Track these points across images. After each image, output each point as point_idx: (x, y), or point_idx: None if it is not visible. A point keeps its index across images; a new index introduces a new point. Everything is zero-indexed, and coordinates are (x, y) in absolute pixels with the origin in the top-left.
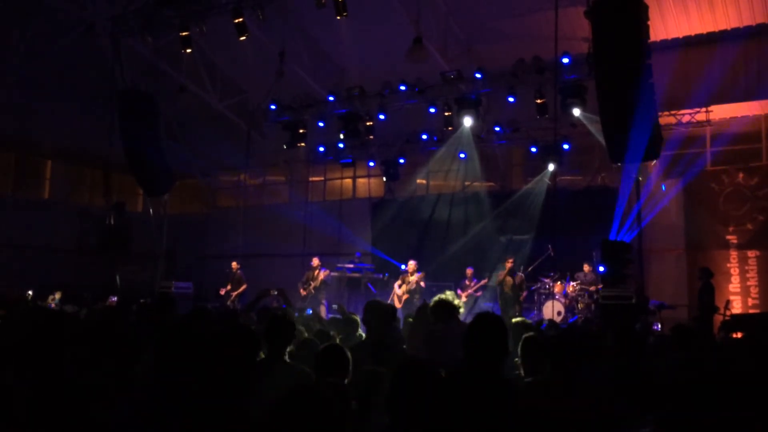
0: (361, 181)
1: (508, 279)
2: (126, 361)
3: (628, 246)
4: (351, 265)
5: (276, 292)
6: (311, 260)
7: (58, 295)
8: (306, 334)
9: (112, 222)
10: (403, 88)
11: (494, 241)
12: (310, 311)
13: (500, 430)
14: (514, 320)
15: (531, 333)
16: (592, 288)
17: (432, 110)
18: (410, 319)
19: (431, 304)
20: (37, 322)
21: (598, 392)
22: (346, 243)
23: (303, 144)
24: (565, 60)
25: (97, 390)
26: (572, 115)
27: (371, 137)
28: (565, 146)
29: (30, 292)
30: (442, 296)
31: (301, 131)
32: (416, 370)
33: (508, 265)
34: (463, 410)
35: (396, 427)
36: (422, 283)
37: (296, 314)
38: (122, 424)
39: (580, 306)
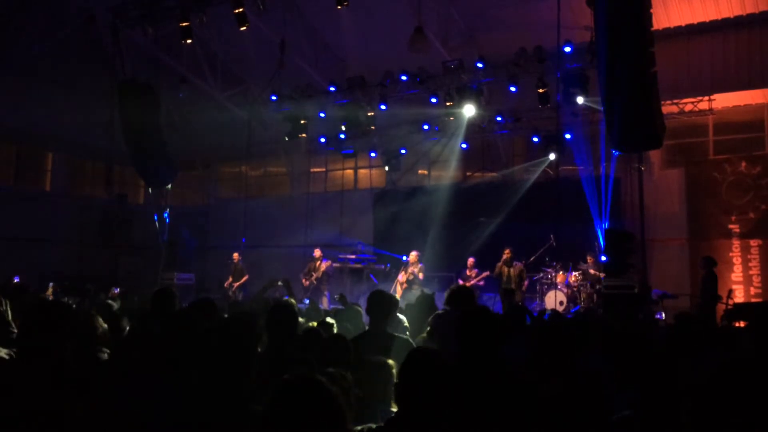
0: (362, 171)
1: (505, 269)
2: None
3: (631, 236)
4: (353, 256)
5: (281, 283)
6: (313, 251)
7: (51, 288)
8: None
9: (114, 214)
10: (404, 78)
11: (495, 231)
12: (307, 301)
13: (503, 417)
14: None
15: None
16: (593, 272)
17: (433, 100)
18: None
19: (447, 293)
20: (40, 312)
21: (592, 378)
22: (347, 234)
23: (304, 135)
24: (567, 49)
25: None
26: (575, 104)
27: (372, 128)
28: (567, 136)
29: (16, 280)
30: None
31: (302, 122)
32: (425, 360)
33: (506, 255)
34: (466, 399)
35: (404, 417)
36: (420, 275)
37: (300, 305)
38: (127, 415)
39: (582, 296)
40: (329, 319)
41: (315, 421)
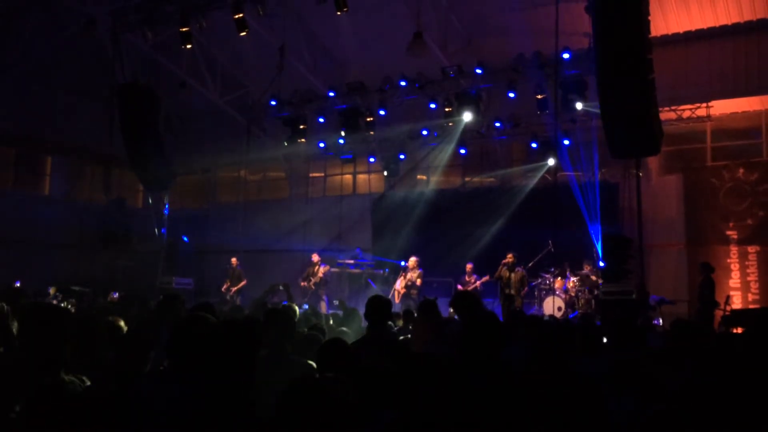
0: (361, 176)
1: (507, 272)
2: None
3: (629, 241)
4: (351, 261)
5: (282, 288)
6: (311, 256)
7: (53, 291)
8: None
9: (113, 218)
10: (403, 83)
11: (493, 236)
12: (306, 307)
13: (503, 419)
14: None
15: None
16: (592, 277)
17: (432, 106)
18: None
19: (454, 296)
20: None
21: (591, 380)
22: (346, 239)
23: (303, 140)
24: (566, 55)
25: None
26: (574, 110)
27: (372, 133)
28: (566, 141)
29: (17, 284)
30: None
31: (301, 127)
32: (425, 364)
33: (508, 259)
34: (467, 401)
35: (404, 420)
36: (419, 281)
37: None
38: (135, 419)
39: (580, 302)
40: (325, 324)
41: (318, 422)
